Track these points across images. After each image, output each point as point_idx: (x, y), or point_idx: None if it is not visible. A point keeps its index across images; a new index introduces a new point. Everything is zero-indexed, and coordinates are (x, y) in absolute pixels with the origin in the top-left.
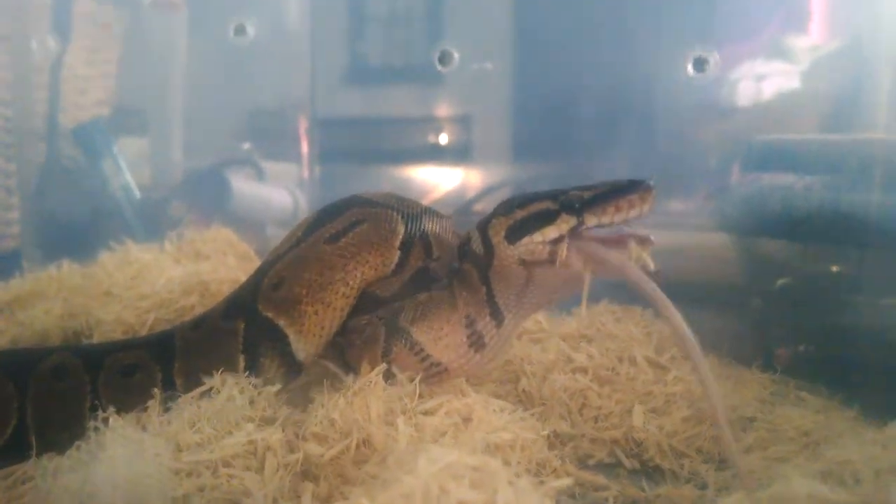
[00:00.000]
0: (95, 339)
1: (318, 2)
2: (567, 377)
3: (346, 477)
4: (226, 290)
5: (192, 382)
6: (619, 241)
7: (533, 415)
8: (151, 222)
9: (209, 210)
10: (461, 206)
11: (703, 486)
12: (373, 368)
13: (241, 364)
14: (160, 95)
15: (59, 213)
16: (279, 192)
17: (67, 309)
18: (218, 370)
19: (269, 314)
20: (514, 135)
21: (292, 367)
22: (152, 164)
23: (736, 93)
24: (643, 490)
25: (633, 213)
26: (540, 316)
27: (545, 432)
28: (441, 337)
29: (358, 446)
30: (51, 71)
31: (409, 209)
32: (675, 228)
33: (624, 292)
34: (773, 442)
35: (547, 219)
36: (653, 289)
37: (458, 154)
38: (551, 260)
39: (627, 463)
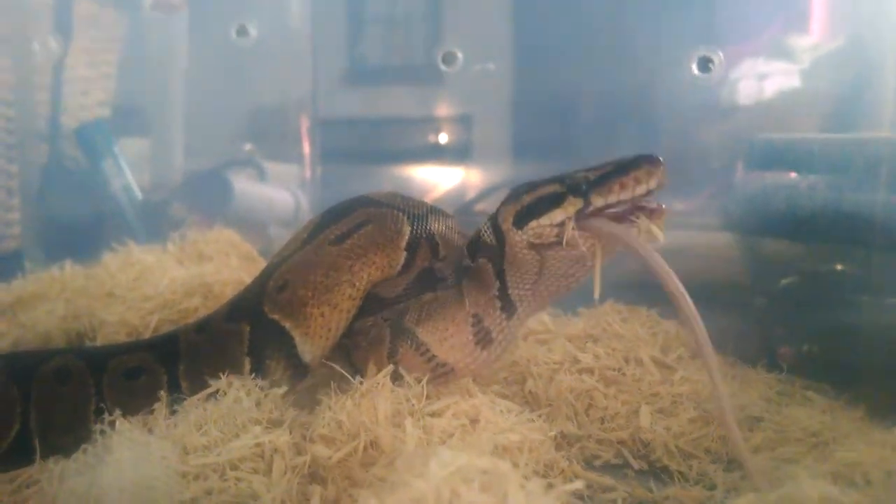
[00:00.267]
0: (99, 341)
1: (319, 2)
2: (573, 378)
3: (354, 479)
4: (229, 291)
5: (198, 385)
6: (627, 216)
7: (540, 416)
8: (153, 223)
9: (211, 211)
10: (462, 205)
11: (712, 487)
12: (379, 370)
13: (247, 366)
14: (161, 96)
15: (61, 214)
16: (281, 193)
17: (70, 310)
18: (223, 373)
19: (275, 316)
20: (516, 135)
21: (298, 369)
22: (154, 164)
23: (738, 92)
24: (651, 491)
25: (640, 189)
26: (545, 317)
27: (552, 433)
28: (447, 337)
29: (366, 448)
30: (52, 72)
31: (415, 209)
32: (679, 228)
33: (630, 292)
34: (780, 442)
35: (554, 202)
36: (659, 263)
37: (458, 154)
38: (559, 241)
39: (635, 464)
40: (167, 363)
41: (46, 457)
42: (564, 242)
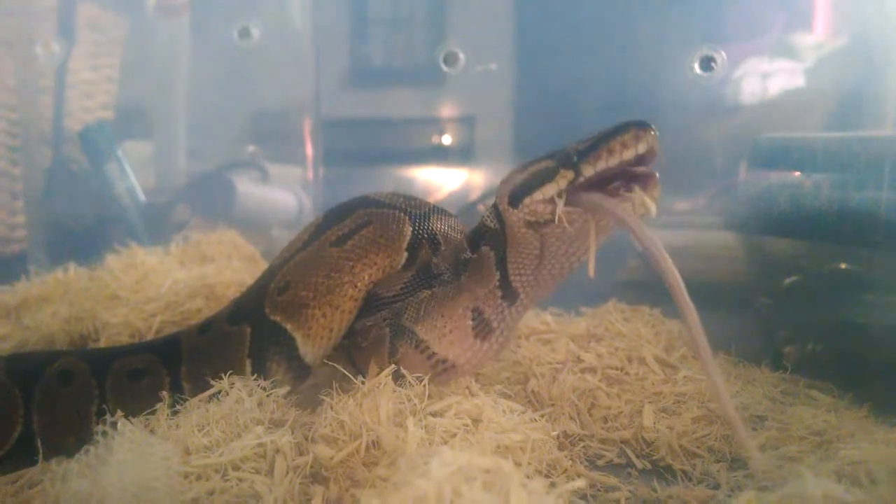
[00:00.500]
0: (102, 343)
1: (321, 4)
2: (576, 377)
3: (356, 479)
4: (231, 292)
5: (200, 386)
6: (620, 191)
7: (542, 415)
8: (156, 225)
9: (214, 213)
10: (465, 206)
11: (716, 486)
12: (381, 370)
13: (248, 368)
14: (164, 99)
15: (65, 216)
16: (284, 194)
17: (73, 312)
18: (225, 374)
19: (276, 318)
20: (518, 134)
21: (299, 370)
22: (157, 167)
23: (742, 91)
24: (655, 490)
25: (629, 153)
26: (548, 316)
27: (555, 433)
28: (445, 334)
29: (368, 448)
30: (56, 75)
31: (417, 209)
32: (683, 227)
33: (632, 292)
34: (784, 441)
35: (545, 177)
36: (648, 237)
37: (461, 154)
38: (553, 217)
39: (638, 463)
40: (169, 365)
41: (49, 458)
42: (556, 218)
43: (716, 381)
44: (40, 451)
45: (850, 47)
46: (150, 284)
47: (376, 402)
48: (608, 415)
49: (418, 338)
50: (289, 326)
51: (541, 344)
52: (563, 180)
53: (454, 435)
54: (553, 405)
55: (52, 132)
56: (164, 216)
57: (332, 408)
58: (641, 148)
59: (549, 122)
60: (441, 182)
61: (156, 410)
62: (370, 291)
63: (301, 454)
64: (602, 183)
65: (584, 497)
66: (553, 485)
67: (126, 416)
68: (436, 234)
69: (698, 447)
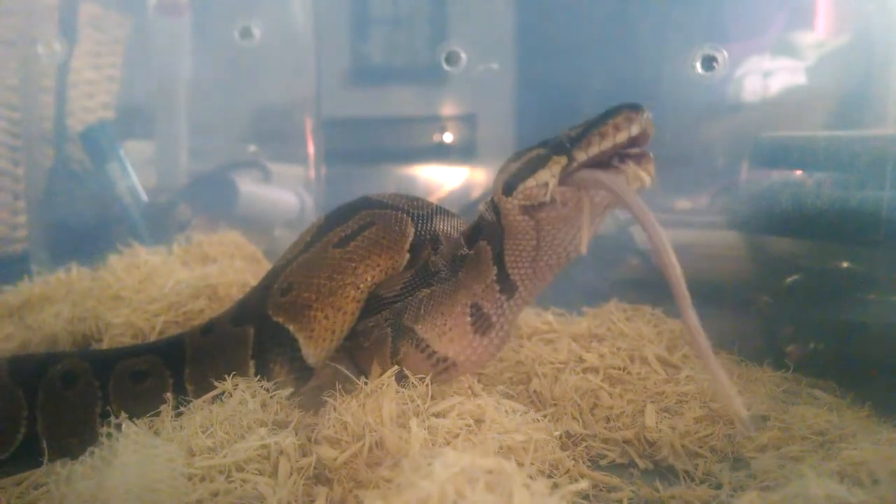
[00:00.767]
0: (105, 343)
1: (322, 3)
2: (578, 377)
3: (360, 480)
4: (234, 292)
5: (203, 388)
6: (613, 164)
7: (545, 416)
8: (158, 225)
9: (216, 212)
10: (466, 205)
11: (718, 486)
12: (383, 370)
13: (252, 369)
14: (166, 98)
15: (67, 216)
16: (285, 194)
17: (76, 312)
18: (228, 375)
19: (279, 319)
20: (520, 133)
21: (302, 371)
22: (158, 166)
23: (743, 90)
24: (657, 490)
25: (621, 136)
26: (550, 316)
27: (557, 433)
28: (445, 331)
29: (371, 449)
30: (57, 75)
31: (420, 210)
32: (684, 226)
33: (633, 291)
34: (787, 441)
35: (538, 163)
36: (641, 208)
37: (463, 153)
38: (548, 199)
39: (640, 463)
40: (173, 366)
41: (53, 459)
42: (549, 197)
43: (694, 326)
44: (45, 453)
45: (852, 46)
46: (153, 285)
47: (379, 403)
48: (610, 415)
49: (419, 337)
50: (292, 328)
51: (543, 344)
52: (556, 166)
53: (457, 435)
54: (555, 405)
55: (54, 132)
56: (167, 216)
57: (335, 409)
58: (634, 130)
59: (551, 121)
60: (442, 181)
61: (160, 412)
62: (372, 292)
63: (304, 455)
64: (596, 166)
65: (586, 497)
66: (556, 485)
67: (130, 418)
68: (438, 234)
69: (700, 447)
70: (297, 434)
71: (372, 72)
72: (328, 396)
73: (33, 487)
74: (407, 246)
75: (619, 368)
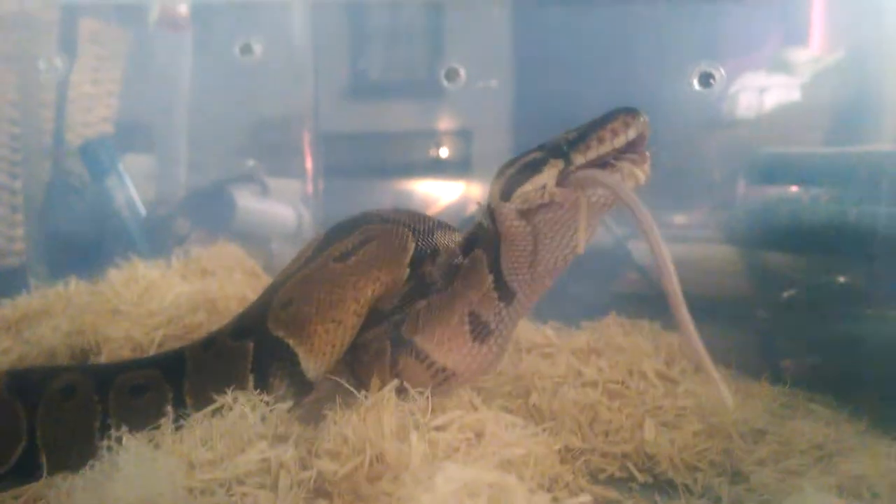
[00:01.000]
0: (104, 357)
1: (321, 19)
2: (577, 391)
3: (360, 494)
4: (233, 306)
5: (203, 401)
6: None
7: (544, 429)
8: (157, 239)
9: (214, 226)
10: (463, 219)
11: (717, 500)
12: (383, 383)
13: (251, 383)
14: (165, 113)
15: (65, 230)
16: (284, 208)
17: (75, 326)
18: (228, 389)
19: (279, 333)
20: (517, 149)
21: (302, 385)
22: (157, 180)
23: (740, 106)
24: None
25: (619, 140)
26: (549, 331)
27: (557, 447)
28: (444, 341)
29: (371, 463)
30: (57, 89)
31: (420, 225)
32: (682, 241)
33: (631, 305)
34: (785, 455)
35: (536, 168)
36: (638, 206)
37: (460, 168)
38: (545, 201)
39: (640, 477)
40: (172, 380)
41: (53, 473)
42: (546, 197)
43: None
44: (44, 467)
45: (847, 62)
46: (152, 298)
47: (380, 416)
48: (609, 429)
49: (417, 348)
50: (291, 342)
51: (541, 358)
52: (553, 170)
53: (457, 449)
54: (554, 419)
55: (53, 146)
56: (165, 230)
57: (335, 422)
58: (632, 134)
59: (547, 136)
60: (439, 195)
61: (160, 425)
62: (371, 307)
63: (305, 469)
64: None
65: None
66: (556, 499)
67: (130, 431)
68: (439, 249)
69: (699, 461)
70: (297, 447)
71: (370, 87)
72: (328, 410)
73: (33, 500)
74: (408, 260)
75: (618, 382)
